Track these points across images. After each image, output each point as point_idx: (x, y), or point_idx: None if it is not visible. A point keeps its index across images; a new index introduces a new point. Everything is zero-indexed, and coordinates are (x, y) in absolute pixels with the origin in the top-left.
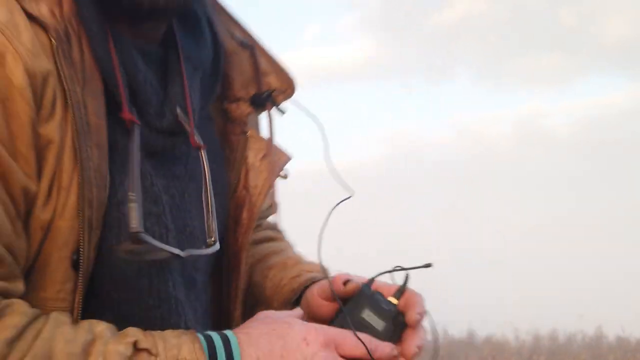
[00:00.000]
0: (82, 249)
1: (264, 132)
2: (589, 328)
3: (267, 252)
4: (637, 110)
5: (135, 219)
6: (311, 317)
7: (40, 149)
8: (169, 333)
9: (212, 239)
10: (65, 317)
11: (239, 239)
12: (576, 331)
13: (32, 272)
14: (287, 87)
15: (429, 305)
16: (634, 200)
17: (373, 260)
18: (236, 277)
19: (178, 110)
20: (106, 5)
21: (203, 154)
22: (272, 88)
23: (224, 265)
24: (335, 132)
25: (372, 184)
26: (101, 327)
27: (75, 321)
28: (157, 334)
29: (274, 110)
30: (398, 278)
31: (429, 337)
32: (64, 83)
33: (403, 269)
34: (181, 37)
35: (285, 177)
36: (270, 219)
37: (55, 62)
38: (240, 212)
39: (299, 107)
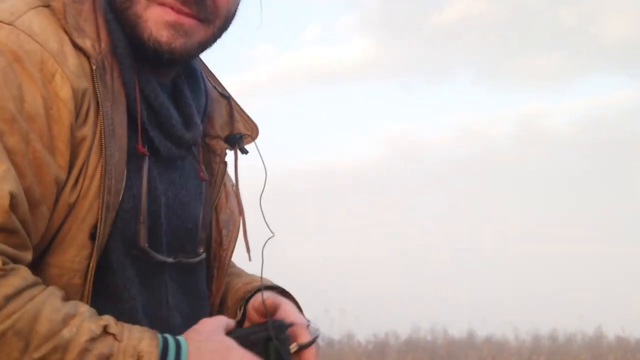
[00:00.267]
0: (99, 225)
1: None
2: (589, 328)
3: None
4: (637, 110)
5: (142, 238)
6: (248, 319)
7: (75, 146)
8: (136, 327)
9: (201, 250)
10: (59, 292)
11: (224, 252)
12: (576, 331)
13: (55, 238)
14: (252, 133)
15: (429, 305)
16: (634, 200)
17: (373, 259)
18: (218, 282)
19: (190, 134)
20: (136, 49)
21: (204, 183)
22: (241, 132)
23: (208, 271)
24: (335, 132)
25: (372, 184)
26: (84, 308)
27: (87, 284)
28: (126, 325)
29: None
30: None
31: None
32: (98, 97)
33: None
34: (185, 82)
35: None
36: None
37: (93, 82)
38: (222, 229)
39: (258, 151)
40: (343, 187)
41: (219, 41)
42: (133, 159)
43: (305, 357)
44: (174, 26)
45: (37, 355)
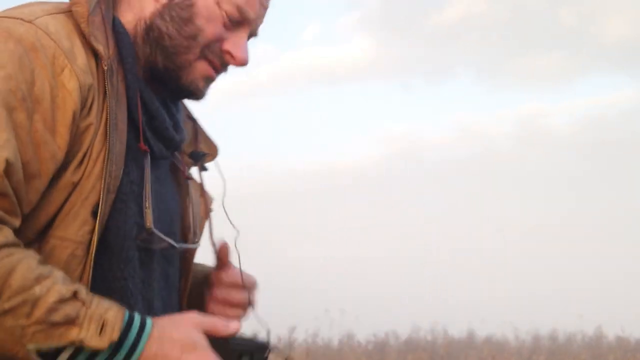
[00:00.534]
0: (100, 204)
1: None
2: (589, 328)
3: None
4: (637, 110)
5: (149, 221)
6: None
7: (79, 133)
8: (106, 300)
9: (197, 238)
10: (36, 255)
11: (190, 253)
12: (576, 331)
13: (60, 213)
14: (213, 152)
15: (429, 305)
16: (634, 200)
17: (373, 259)
18: (185, 281)
19: (179, 136)
20: (155, 71)
21: (188, 181)
22: (203, 151)
23: (181, 263)
24: (335, 132)
25: (372, 184)
26: (59, 273)
27: (90, 256)
28: (97, 296)
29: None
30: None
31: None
32: (107, 93)
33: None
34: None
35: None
36: None
37: (100, 80)
38: (190, 228)
39: (218, 169)
40: (343, 187)
41: None
42: (131, 153)
43: None
44: (208, 80)
45: (7, 305)
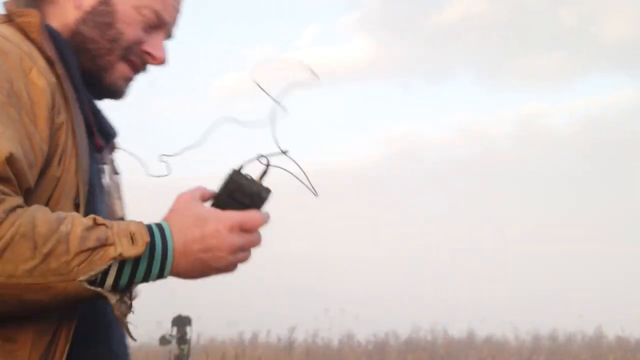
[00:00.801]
0: (80, 196)
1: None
2: (589, 328)
3: None
4: (637, 110)
5: (119, 209)
6: None
7: (55, 130)
8: (120, 221)
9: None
10: (44, 206)
11: None
12: (576, 331)
13: (49, 204)
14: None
15: (429, 305)
16: (634, 200)
17: (373, 259)
18: None
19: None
20: (84, 73)
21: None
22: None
23: None
24: (335, 132)
25: (372, 184)
26: (71, 213)
27: None
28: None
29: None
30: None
31: None
32: (66, 93)
33: (265, 157)
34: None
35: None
36: None
37: (56, 81)
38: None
39: (131, 154)
40: (343, 187)
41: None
42: (89, 149)
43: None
44: (127, 80)
45: (45, 249)
